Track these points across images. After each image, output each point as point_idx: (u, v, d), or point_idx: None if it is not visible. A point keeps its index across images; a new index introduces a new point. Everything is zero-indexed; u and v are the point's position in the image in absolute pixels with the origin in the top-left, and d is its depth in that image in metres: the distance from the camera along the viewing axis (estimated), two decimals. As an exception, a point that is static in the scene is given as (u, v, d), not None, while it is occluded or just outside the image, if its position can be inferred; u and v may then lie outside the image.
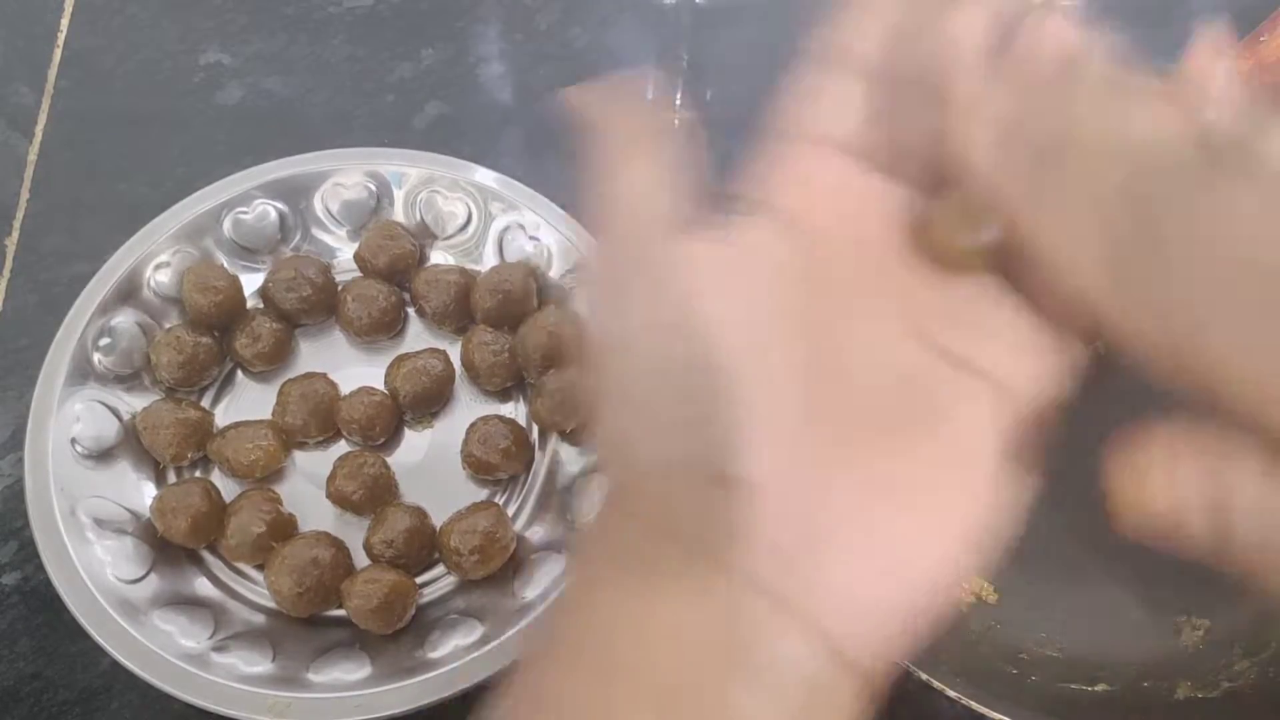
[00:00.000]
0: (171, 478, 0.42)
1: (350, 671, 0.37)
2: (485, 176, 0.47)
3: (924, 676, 0.32)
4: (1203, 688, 0.37)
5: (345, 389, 0.44)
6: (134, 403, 0.43)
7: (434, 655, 0.37)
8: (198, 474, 0.43)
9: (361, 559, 0.41)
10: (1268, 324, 0.17)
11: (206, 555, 0.41)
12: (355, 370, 0.45)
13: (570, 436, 0.43)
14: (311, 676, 0.37)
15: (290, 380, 0.44)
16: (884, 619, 0.19)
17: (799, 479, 0.18)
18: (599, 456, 0.20)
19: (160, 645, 0.36)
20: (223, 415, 0.44)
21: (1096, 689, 0.37)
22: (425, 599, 0.40)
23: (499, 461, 0.41)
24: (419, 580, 0.40)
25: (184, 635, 0.37)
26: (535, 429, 0.44)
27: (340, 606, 0.39)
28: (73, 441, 0.40)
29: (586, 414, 0.21)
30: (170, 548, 0.40)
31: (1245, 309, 0.17)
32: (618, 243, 0.21)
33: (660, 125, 0.22)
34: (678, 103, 0.55)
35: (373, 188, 0.47)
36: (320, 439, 0.43)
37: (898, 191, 0.21)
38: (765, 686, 0.18)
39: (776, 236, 0.21)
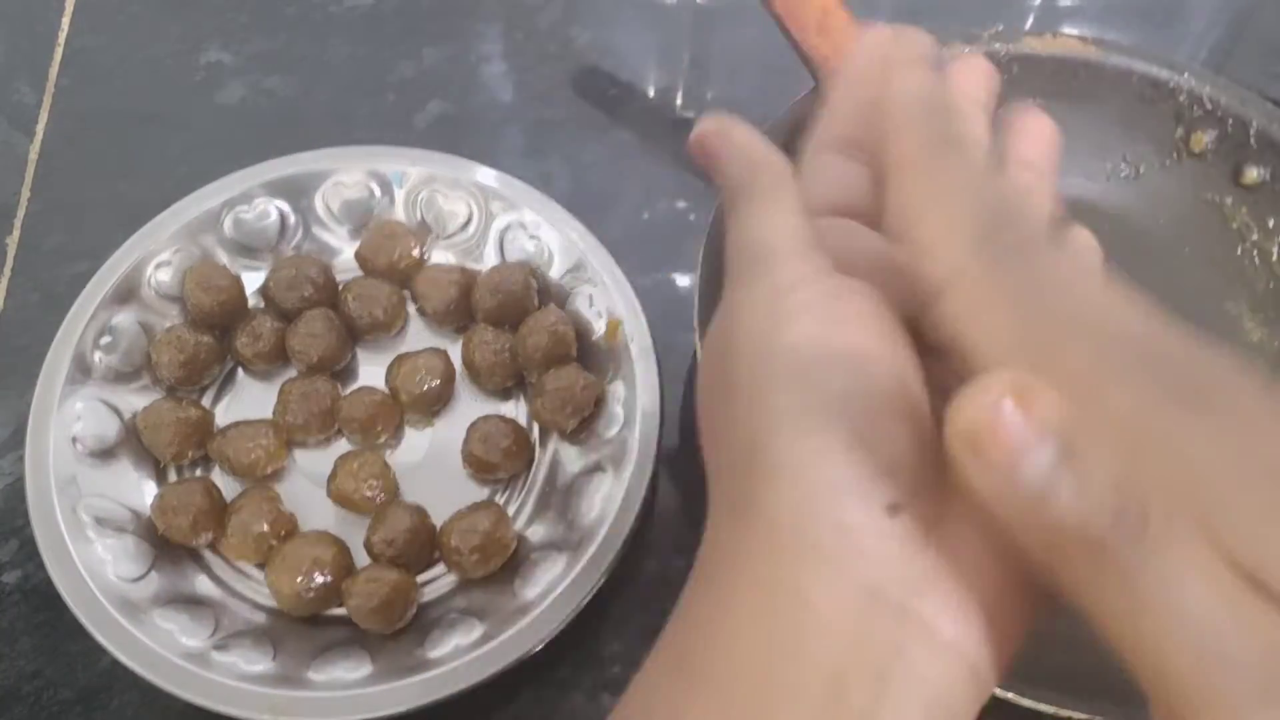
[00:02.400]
0: (172, 476, 0.42)
1: (351, 670, 0.37)
2: (486, 176, 0.47)
3: None
4: None
5: (346, 388, 0.44)
6: (135, 401, 0.43)
7: (434, 654, 0.37)
8: (198, 473, 0.43)
9: (362, 558, 0.41)
10: None
11: (207, 554, 0.41)
12: (356, 369, 0.45)
13: (571, 436, 0.43)
14: (312, 675, 0.37)
15: (291, 379, 0.44)
16: (1014, 633, 0.19)
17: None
18: (736, 480, 0.21)
19: (161, 644, 0.36)
20: (223, 414, 0.44)
21: None
22: (426, 598, 0.40)
23: (499, 461, 0.42)
24: (419, 579, 0.40)
25: (184, 634, 0.37)
26: (536, 428, 0.44)
27: (341, 605, 0.39)
28: (73, 440, 0.40)
29: (714, 438, 0.22)
30: (171, 546, 0.40)
31: None
32: (788, 275, 0.22)
33: (787, 164, 0.24)
34: (679, 103, 0.55)
35: (374, 187, 0.47)
36: (321, 438, 0.43)
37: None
38: (903, 702, 0.18)
39: (865, 295, 0.22)
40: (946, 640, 0.18)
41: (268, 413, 0.43)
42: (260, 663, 0.37)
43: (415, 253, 0.46)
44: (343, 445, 0.44)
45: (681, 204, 0.51)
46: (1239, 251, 0.47)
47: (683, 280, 0.49)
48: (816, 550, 0.19)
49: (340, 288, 0.45)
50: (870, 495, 0.19)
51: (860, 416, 0.19)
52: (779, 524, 0.19)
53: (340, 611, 0.39)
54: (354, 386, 0.44)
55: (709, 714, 0.19)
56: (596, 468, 0.41)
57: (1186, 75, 0.45)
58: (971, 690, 0.19)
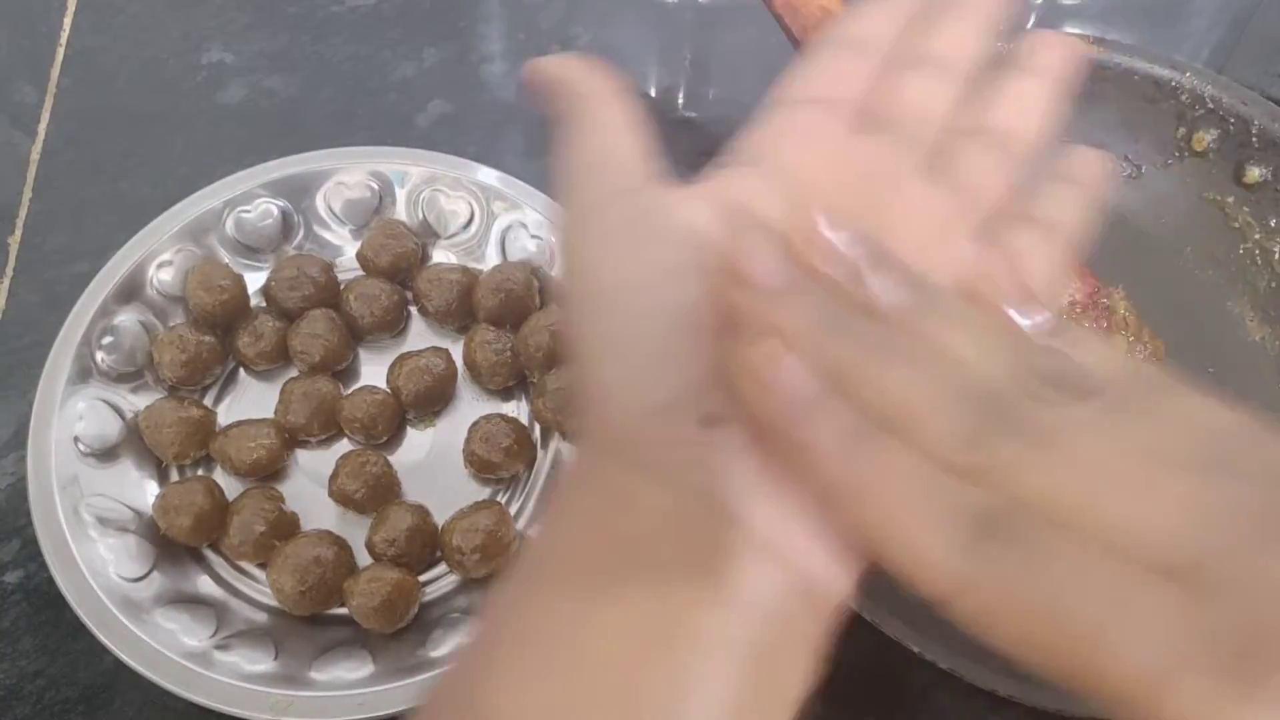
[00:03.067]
0: (174, 476, 0.42)
1: (352, 670, 0.37)
2: (488, 175, 0.47)
3: (915, 649, 0.33)
4: None
5: (347, 388, 0.44)
6: (136, 401, 0.43)
7: (436, 654, 0.37)
8: (200, 472, 0.43)
9: (364, 558, 0.41)
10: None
11: (209, 554, 0.41)
12: (357, 369, 0.45)
13: (572, 436, 0.43)
14: (314, 675, 0.37)
15: (292, 379, 0.44)
16: (852, 553, 0.19)
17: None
18: (578, 401, 0.21)
19: (163, 643, 0.36)
20: (225, 414, 0.44)
21: None
22: (427, 598, 0.40)
23: (501, 460, 0.42)
24: (421, 579, 0.40)
25: (186, 633, 0.37)
26: (537, 428, 0.44)
27: (342, 605, 0.39)
28: (75, 440, 0.40)
29: (566, 359, 0.22)
30: (173, 546, 0.40)
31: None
32: (597, 193, 0.22)
33: (618, 87, 0.24)
34: (680, 103, 0.55)
35: (375, 187, 0.47)
36: (322, 437, 0.43)
37: (886, 154, 0.23)
38: (735, 613, 0.18)
39: (768, 185, 0.22)
40: (775, 548, 0.18)
41: (269, 412, 0.43)
42: (262, 662, 0.37)
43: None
44: (344, 445, 0.44)
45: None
46: (1241, 251, 0.47)
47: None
48: (643, 465, 0.19)
49: (342, 287, 0.45)
50: (680, 410, 0.19)
51: (665, 336, 0.20)
52: (605, 447, 0.20)
53: (342, 611, 0.39)
54: (355, 386, 0.44)
55: (543, 601, 0.19)
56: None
57: (1188, 75, 0.45)
58: (807, 602, 0.19)
